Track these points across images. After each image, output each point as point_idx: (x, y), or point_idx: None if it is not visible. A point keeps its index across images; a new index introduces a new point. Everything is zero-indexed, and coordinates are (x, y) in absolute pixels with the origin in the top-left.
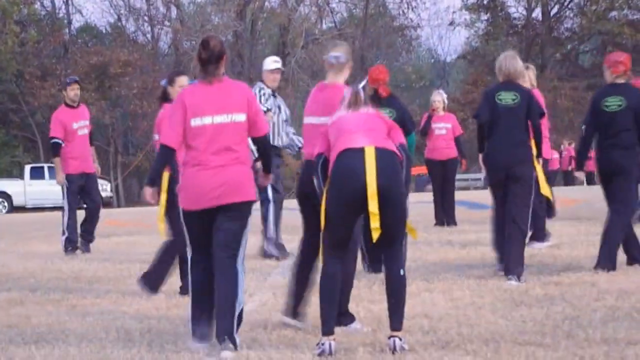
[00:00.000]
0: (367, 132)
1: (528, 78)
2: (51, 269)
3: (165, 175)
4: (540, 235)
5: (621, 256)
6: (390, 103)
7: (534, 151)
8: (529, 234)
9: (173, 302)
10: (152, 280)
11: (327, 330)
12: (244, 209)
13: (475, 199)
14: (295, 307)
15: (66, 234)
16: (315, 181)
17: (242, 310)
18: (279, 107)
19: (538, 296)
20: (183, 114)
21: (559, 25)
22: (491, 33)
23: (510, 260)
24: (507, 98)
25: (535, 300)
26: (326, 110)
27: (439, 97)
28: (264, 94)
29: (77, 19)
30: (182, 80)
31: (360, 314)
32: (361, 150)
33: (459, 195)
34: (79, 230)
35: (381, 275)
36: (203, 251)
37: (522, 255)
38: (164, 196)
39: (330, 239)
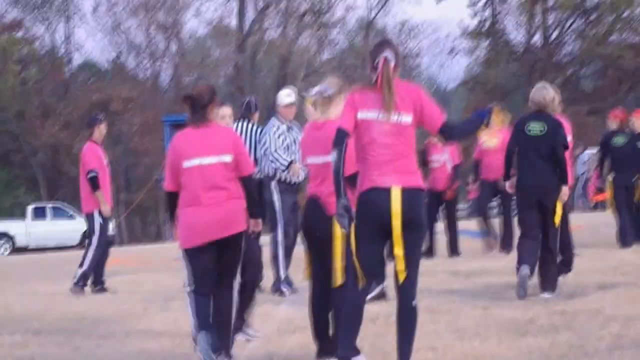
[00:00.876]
0: None
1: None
2: (55, 310)
3: None
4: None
5: (621, 279)
6: None
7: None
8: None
9: (177, 342)
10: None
11: (343, 356)
12: (238, 239)
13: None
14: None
15: (85, 267)
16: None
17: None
18: (295, 141)
19: (543, 325)
20: (175, 158)
21: (559, 50)
22: (491, 59)
23: (545, 279)
24: (535, 128)
25: (541, 329)
26: (329, 148)
27: None
28: (280, 132)
29: (77, 57)
30: (224, 111)
31: (365, 349)
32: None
33: (463, 225)
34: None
35: (384, 309)
36: (204, 283)
37: (555, 274)
38: None
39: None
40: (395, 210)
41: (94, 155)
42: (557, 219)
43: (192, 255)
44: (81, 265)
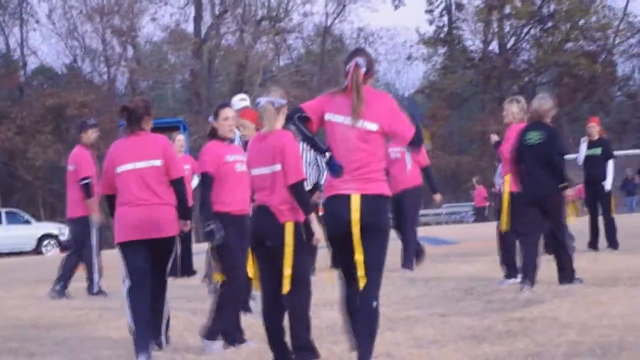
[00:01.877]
0: None
1: (510, 112)
2: (9, 317)
3: None
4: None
5: (577, 287)
6: None
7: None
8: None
9: (131, 349)
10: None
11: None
12: (168, 243)
13: (436, 234)
14: None
15: (95, 274)
16: None
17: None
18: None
19: (501, 332)
20: (111, 164)
21: (516, 58)
22: (448, 67)
23: (562, 272)
24: (534, 137)
25: (498, 336)
26: (277, 158)
27: None
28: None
29: (32, 61)
30: (226, 112)
31: (323, 354)
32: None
33: (421, 231)
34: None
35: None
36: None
37: (569, 265)
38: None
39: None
40: (354, 218)
41: (88, 162)
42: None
43: (126, 250)
44: (90, 275)
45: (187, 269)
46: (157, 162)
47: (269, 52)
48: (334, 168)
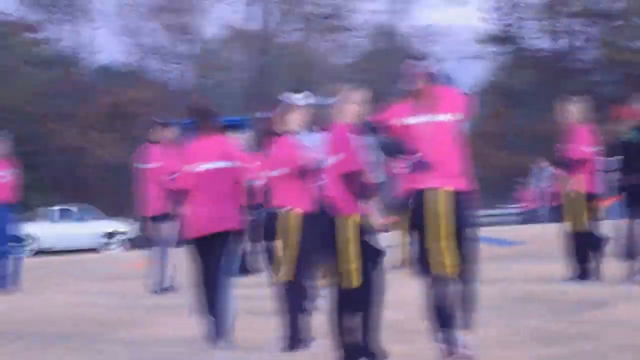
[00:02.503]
0: None
1: (570, 112)
2: (76, 314)
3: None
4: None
5: None
6: None
7: None
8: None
9: (197, 348)
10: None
11: None
12: (230, 236)
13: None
14: None
15: (169, 273)
16: None
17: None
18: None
19: (567, 335)
20: (185, 162)
21: (582, 57)
22: (512, 65)
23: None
24: None
25: (565, 339)
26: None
27: None
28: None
29: (97, 59)
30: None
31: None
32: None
33: (484, 231)
34: None
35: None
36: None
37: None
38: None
39: None
40: (443, 210)
41: (168, 159)
42: None
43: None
44: (163, 270)
45: (243, 269)
46: (228, 163)
47: (333, 50)
48: (422, 165)
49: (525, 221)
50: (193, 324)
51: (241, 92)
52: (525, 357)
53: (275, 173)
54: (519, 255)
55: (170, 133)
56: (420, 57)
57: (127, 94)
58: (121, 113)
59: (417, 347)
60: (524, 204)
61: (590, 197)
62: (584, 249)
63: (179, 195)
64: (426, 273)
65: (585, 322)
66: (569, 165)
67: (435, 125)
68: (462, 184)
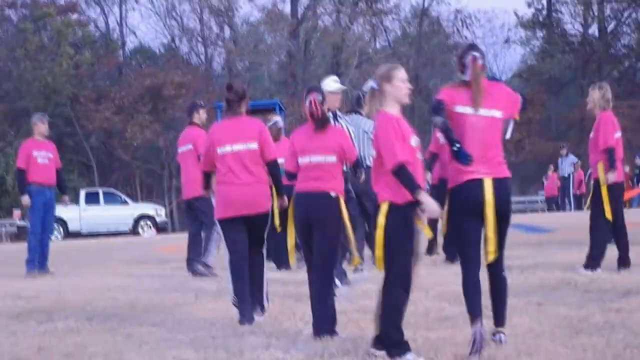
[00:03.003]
0: None
1: (592, 99)
2: (107, 297)
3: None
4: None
5: None
6: None
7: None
8: None
9: (230, 332)
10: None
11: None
12: (263, 218)
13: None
14: None
15: (212, 251)
16: None
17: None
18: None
19: (598, 323)
20: (212, 144)
21: (616, 42)
22: (547, 50)
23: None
24: None
25: (596, 327)
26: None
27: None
28: None
29: (131, 41)
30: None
31: (418, 342)
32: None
33: (517, 218)
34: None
35: (436, 304)
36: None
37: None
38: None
39: None
40: (488, 199)
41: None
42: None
43: (225, 226)
44: (206, 248)
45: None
46: (254, 145)
47: (365, 33)
48: (464, 156)
49: (548, 208)
50: (225, 308)
51: (273, 75)
52: (556, 345)
53: (323, 159)
54: (549, 243)
55: (205, 115)
56: (478, 47)
57: (162, 76)
58: (155, 95)
59: (443, 335)
60: (547, 192)
61: (617, 186)
62: (617, 237)
63: (206, 176)
64: (463, 260)
65: (615, 311)
66: (595, 153)
67: (484, 119)
68: (504, 174)
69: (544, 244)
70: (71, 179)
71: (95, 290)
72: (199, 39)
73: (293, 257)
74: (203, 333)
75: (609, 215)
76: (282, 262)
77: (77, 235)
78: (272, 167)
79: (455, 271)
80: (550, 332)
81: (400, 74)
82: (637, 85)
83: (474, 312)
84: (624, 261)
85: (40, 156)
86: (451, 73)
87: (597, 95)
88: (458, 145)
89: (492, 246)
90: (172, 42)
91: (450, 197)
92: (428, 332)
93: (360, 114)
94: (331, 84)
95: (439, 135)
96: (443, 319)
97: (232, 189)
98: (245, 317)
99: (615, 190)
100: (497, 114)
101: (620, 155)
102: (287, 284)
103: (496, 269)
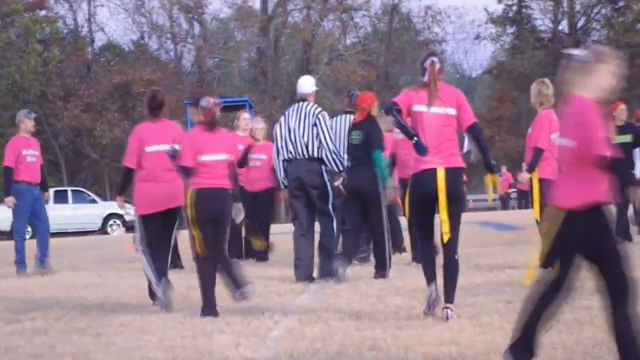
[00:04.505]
0: None
1: (532, 94)
2: (75, 297)
3: None
4: None
5: None
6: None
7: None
8: None
9: (199, 330)
10: None
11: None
12: (177, 211)
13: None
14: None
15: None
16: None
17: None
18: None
19: (567, 321)
20: (139, 143)
21: (586, 38)
22: (517, 47)
23: None
24: None
25: (565, 325)
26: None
27: (261, 125)
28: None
29: (99, 37)
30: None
31: (388, 340)
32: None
33: (486, 216)
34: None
35: (406, 302)
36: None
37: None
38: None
39: None
40: (441, 186)
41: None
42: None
43: (146, 220)
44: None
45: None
46: (176, 146)
47: (336, 30)
48: (421, 149)
49: (503, 207)
50: (194, 308)
51: (244, 72)
52: None
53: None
54: (519, 241)
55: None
56: (437, 53)
57: (131, 73)
58: (124, 92)
59: (413, 333)
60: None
61: (548, 184)
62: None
63: (129, 175)
64: (419, 239)
65: (584, 308)
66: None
67: (438, 115)
68: (455, 164)
69: (514, 242)
70: None
71: (64, 289)
72: (169, 35)
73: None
74: (172, 332)
75: (536, 214)
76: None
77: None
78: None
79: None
80: None
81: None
82: None
83: (429, 278)
84: (547, 264)
85: (29, 154)
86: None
87: (535, 91)
88: (416, 138)
89: (446, 227)
90: (142, 38)
91: (409, 184)
92: (398, 330)
93: (353, 113)
94: (312, 85)
95: (396, 132)
96: (413, 317)
97: (156, 186)
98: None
99: (548, 188)
100: (451, 111)
101: (556, 155)
102: (255, 284)
103: (449, 253)
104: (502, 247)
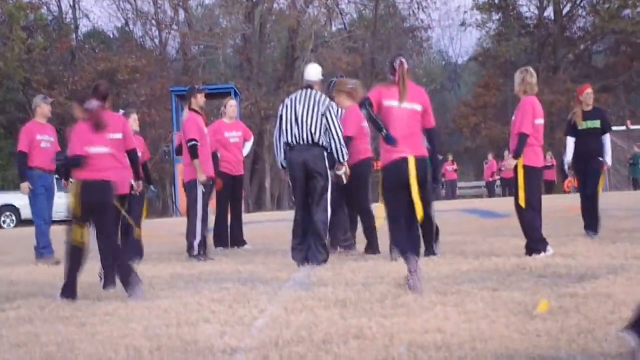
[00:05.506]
0: None
1: (516, 83)
2: (60, 286)
3: None
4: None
5: (633, 263)
6: None
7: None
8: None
9: (184, 319)
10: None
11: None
12: (124, 199)
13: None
14: None
15: (199, 238)
16: None
17: None
18: None
19: (553, 309)
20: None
21: (572, 25)
22: (503, 33)
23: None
24: None
25: (550, 313)
26: None
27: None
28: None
29: (84, 24)
30: None
31: (373, 329)
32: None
33: (472, 204)
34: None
35: (393, 290)
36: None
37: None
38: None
39: None
40: (412, 173)
41: (195, 125)
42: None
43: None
44: (194, 236)
45: (237, 240)
46: (119, 136)
47: (322, 17)
48: (391, 140)
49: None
50: (179, 297)
51: (229, 60)
52: (511, 331)
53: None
54: (504, 228)
55: (203, 99)
56: (404, 54)
57: (116, 60)
58: (109, 79)
59: (398, 321)
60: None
61: (534, 172)
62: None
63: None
64: (391, 220)
65: (570, 296)
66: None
67: (407, 110)
68: (423, 153)
69: (499, 230)
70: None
71: (48, 278)
72: (154, 22)
73: None
74: (157, 321)
75: (522, 201)
76: (220, 242)
77: (30, 222)
78: (133, 155)
79: None
80: (505, 317)
81: None
82: (593, 68)
83: (404, 250)
84: (532, 251)
85: (44, 140)
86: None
87: (519, 80)
88: (385, 131)
89: (419, 208)
90: (126, 25)
91: (383, 173)
92: (383, 319)
93: (333, 100)
94: (319, 72)
95: (365, 123)
96: (399, 305)
97: (102, 175)
98: (109, 282)
99: (532, 176)
100: (418, 107)
101: (541, 142)
102: (240, 272)
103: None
104: (487, 234)
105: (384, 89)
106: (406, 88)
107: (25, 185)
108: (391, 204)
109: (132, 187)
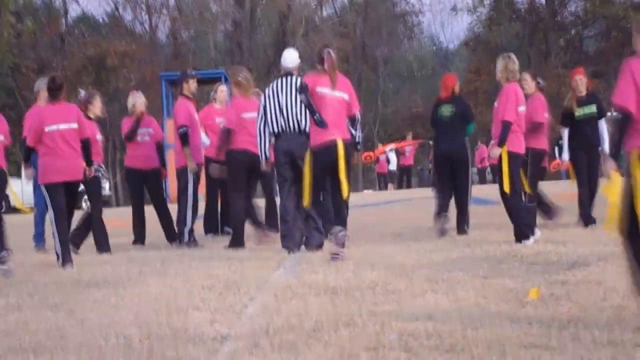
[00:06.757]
0: None
1: (503, 67)
2: (49, 273)
3: None
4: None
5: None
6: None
7: None
8: None
9: (173, 306)
10: None
11: None
12: (78, 184)
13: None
14: None
15: (189, 225)
16: None
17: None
18: None
19: (544, 296)
20: (40, 123)
21: (563, 10)
22: (494, 18)
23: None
24: None
25: (541, 300)
26: None
27: (143, 99)
28: None
29: (73, 9)
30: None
31: (364, 316)
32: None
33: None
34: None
35: (382, 277)
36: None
37: None
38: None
39: None
40: (340, 154)
41: (185, 111)
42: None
43: (51, 189)
44: (184, 223)
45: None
46: (75, 125)
47: (312, 1)
48: (321, 122)
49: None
50: (168, 284)
51: (219, 45)
52: (502, 319)
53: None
54: (495, 215)
55: (195, 84)
56: (326, 45)
57: (106, 45)
58: (98, 65)
59: (388, 308)
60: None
61: (517, 157)
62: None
63: (30, 151)
64: (315, 199)
65: (560, 283)
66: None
67: (337, 98)
68: (348, 137)
69: (490, 216)
70: (13, 152)
71: (37, 265)
72: (143, 6)
73: None
74: (146, 309)
75: (506, 188)
76: (210, 228)
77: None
78: (86, 143)
79: (400, 246)
80: (496, 305)
81: None
82: (584, 53)
83: (330, 222)
84: (520, 236)
85: None
86: (398, 42)
87: (501, 66)
88: (317, 114)
89: (345, 187)
90: (116, 10)
91: (313, 154)
92: (374, 306)
93: None
94: (296, 58)
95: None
96: (389, 292)
97: (58, 161)
98: (67, 260)
99: (515, 161)
100: (345, 96)
101: (522, 128)
102: (230, 259)
103: (346, 203)
104: (478, 221)
105: (316, 77)
106: (336, 77)
107: (30, 172)
108: (318, 183)
109: (84, 173)
